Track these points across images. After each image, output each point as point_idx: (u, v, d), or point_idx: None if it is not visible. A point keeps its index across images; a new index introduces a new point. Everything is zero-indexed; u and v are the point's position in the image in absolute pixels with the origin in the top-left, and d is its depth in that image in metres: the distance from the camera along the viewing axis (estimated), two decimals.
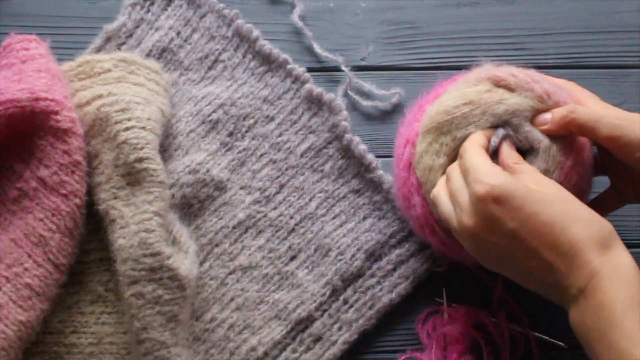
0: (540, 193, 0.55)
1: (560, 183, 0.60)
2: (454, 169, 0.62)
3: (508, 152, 0.62)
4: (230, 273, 0.72)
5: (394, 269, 0.72)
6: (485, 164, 0.58)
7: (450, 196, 0.61)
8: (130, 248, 0.65)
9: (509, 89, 0.63)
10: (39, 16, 0.80)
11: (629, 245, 0.73)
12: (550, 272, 0.55)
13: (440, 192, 0.62)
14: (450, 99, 0.64)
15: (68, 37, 0.79)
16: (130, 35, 0.78)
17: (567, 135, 0.62)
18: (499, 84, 0.64)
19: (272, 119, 0.76)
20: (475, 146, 0.61)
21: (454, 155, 0.64)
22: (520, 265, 0.56)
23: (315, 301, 0.71)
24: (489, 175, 0.56)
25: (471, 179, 0.58)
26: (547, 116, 0.62)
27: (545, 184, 0.57)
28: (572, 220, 0.53)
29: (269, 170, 0.75)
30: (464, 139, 0.63)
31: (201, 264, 0.71)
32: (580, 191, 0.63)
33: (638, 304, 0.50)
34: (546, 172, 0.62)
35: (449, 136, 0.64)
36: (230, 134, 0.76)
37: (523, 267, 0.56)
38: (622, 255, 0.53)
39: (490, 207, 0.56)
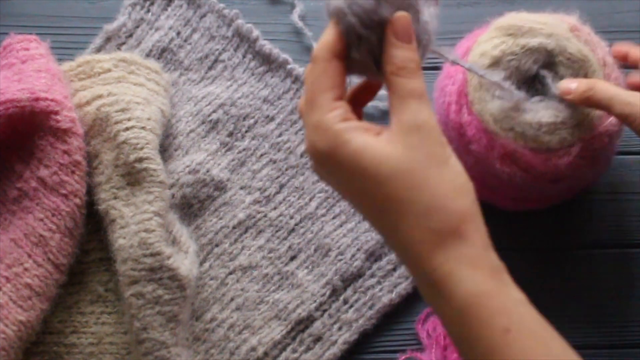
0: (377, 161, 0.47)
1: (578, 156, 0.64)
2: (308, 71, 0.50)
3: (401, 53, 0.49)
4: (230, 273, 0.72)
5: (394, 269, 0.72)
6: (327, 96, 0.48)
7: (300, 110, 0.52)
8: (130, 248, 0.65)
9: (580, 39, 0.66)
10: (39, 16, 0.80)
11: (630, 245, 0.74)
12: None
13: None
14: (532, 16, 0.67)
15: (68, 37, 0.79)
16: (130, 35, 0.78)
17: None
18: (572, 30, 0.67)
19: (272, 119, 0.76)
20: (324, 56, 0.49)
21: None
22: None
23: (315, 301, 0.71)
24: (315, 131, 0.48)
25: (305, 119, 0.49)
26: (572, 85, 0.64)
27: (396, 135, 0.47)
28: (405, 213, 0.47)
29: (269, 170, 0.75)
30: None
31: (201, 264, 0.71)
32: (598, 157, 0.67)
33: (487, 293, 0.46)
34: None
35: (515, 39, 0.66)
36: (230, 134, 0.76)
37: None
38: (466, 249, 0.46)
39: (314, 163, 0.51)
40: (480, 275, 0.46)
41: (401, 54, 0.48)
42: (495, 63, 0.65)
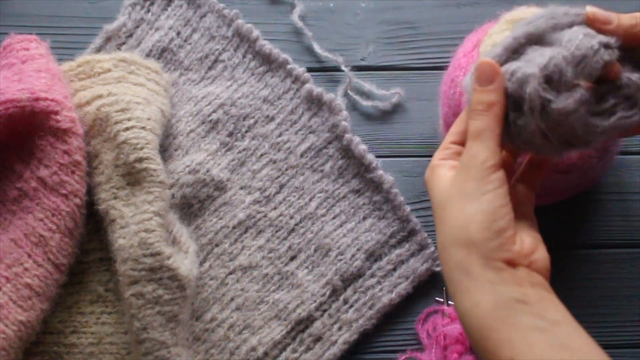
0: (438, 190, 0.56)
1: None
2: None
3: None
4: (230, 273, 0.72)
5: (394, 269, 0.72)
6: (447, 140, 0.59)
7: None
8: (130, 248, 0.65)
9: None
10: (39, 16, 0.80)
11: (630, 245, 0.74)
12: None
13: None
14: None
15: (68, 37, 0.79)
16: (130, 35, 0.78)
17: None
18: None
19: (272, 119, 0.76)
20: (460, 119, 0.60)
21: None
22: None
23: (315, 301, 0.71)
24: (434, 158, 0.58)
25: None
26: (612, 16, 0.54)
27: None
28: (440, 232, 0.55)
29: (269, 170, 0.75)
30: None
31: (201, 264, 0.71)
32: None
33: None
34: None
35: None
36: (230, 134, 0.76)
37: None
38: (468, 282, 0.52)
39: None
40: (482, 309, 0.50)
41: (475, 97, 0.54)
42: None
